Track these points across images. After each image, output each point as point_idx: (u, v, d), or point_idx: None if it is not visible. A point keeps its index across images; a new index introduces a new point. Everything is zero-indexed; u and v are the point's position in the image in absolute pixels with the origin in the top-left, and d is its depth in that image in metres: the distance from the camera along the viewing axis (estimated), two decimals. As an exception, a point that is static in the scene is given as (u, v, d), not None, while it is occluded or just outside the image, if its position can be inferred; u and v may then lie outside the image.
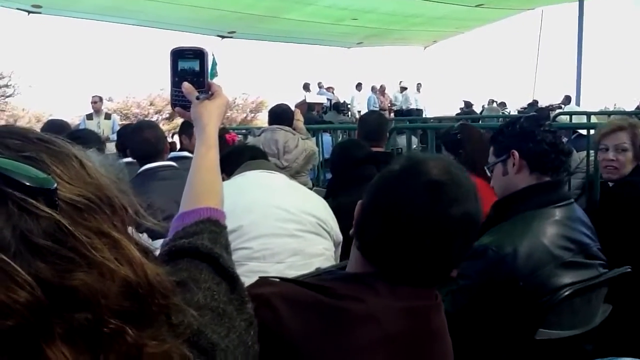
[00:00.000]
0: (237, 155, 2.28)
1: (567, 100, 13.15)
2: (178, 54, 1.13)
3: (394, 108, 16.65)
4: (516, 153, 1.89)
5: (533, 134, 1.88)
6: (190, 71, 1.12)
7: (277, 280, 1.13)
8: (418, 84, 17.90)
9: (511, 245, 1.68)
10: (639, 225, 2.26)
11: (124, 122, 12.72)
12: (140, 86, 20.42)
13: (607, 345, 1.86)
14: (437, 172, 1.05)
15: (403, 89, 17.68)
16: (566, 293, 1.66)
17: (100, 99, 9.81)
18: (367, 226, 1.10)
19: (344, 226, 2.04)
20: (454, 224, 1.03)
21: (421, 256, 1.04)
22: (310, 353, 0.97)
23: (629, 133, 2.51)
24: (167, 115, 15.09)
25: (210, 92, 1.12)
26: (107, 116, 9.83)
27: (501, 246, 1.68)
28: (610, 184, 2.65)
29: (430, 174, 1.05)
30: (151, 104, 19.80)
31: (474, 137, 2.89)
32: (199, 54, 1.13)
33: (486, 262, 1.67)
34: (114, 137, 6.84)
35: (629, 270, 1.87)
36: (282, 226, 1.92)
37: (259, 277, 1.13)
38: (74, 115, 13.16)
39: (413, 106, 16.52)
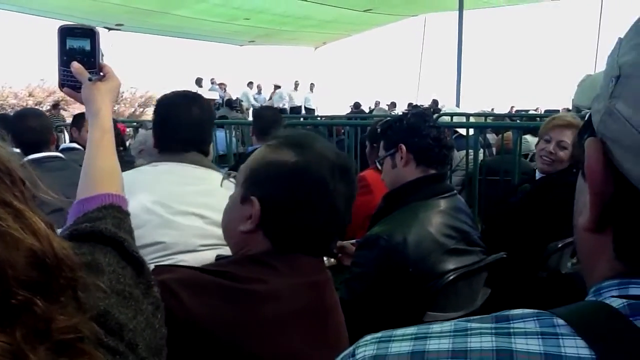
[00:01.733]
0: (171, 131, 1.86)
1: (434, 104, 14.04)
2: (67, 32, 1.08)
3: (270, 103, 16.58)
4: (403, 147, 1.98)
5: (419, 129, 1.98)
6: (80, 50, 1.08)
7: (174, 267, 1.12)
8: (311, 83, 18.10)
9: (401, 235, 1.76)
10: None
11: (-2, 113, 11.81)
12: (18, 76, 19.19)
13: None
14: (336, 156, 1.13)
15: (276, 87, 17.73)
16: (450, 277, 1.78)
17: (-29, 88, 9.08)
18: (282, 215, 1.09)
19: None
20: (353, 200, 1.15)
21: (331, 232, 1.13)
22: (219, 334, 0.98)
23: (575, 133, 2.49)
24: (48, 107, 14.17)
25: (102, 74, 1.08)
26: (-22, 107, 9.12)
27: (392, 235, 1.76)
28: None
29: (335, 159, 1.12)
30: (30, 95, 18.62)
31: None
32: (89, 33, 1.09)
33: (379, 250, 1.75)
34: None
35: (504, 256, 2.03)
36: (200, 243, 1.78)
37: (155, 265, 1.10)
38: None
39: (289, 105, 16.78)
